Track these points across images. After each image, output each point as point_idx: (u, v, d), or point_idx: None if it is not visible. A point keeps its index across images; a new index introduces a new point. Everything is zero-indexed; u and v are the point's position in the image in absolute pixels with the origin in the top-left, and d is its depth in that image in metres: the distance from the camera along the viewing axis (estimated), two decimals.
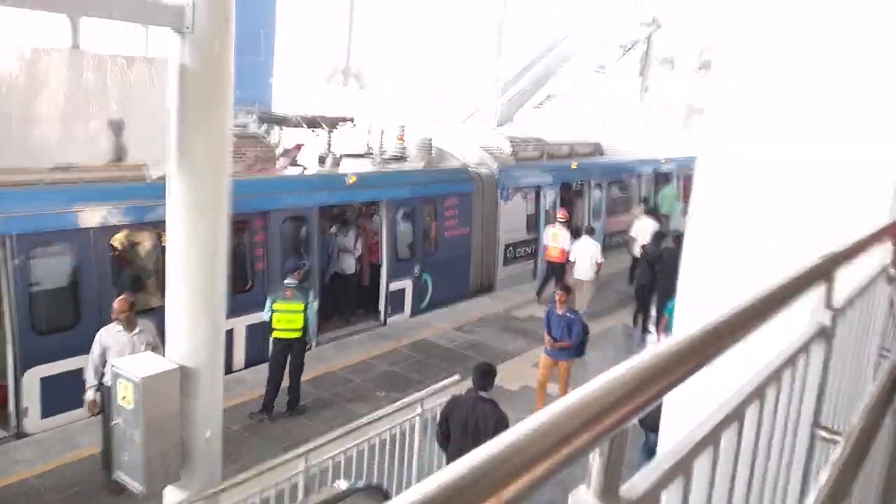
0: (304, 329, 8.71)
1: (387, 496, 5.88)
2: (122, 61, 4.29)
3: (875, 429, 1.55)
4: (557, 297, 9.32)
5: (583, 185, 17.56)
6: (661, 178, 21.20)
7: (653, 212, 17.03)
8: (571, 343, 9.08)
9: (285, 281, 8.89)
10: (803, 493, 1.35)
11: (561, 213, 14.13)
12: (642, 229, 14.85)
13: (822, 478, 1.26)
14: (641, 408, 0.77)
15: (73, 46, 4.31)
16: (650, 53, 29.64)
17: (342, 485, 5.75)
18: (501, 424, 5.74)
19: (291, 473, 5.81)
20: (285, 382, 8.94)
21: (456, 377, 7.29)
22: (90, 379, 6.88)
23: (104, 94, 4.25)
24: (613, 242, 18.80)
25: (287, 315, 8.65)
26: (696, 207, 4.24)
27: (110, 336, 6.90)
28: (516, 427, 0.67)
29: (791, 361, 1.16)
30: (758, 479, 1.18)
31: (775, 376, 1.10)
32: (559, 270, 13.79)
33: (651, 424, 7.32)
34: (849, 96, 3.11)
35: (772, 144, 3.87)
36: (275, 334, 8.78)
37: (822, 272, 1.23)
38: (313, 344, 9.16)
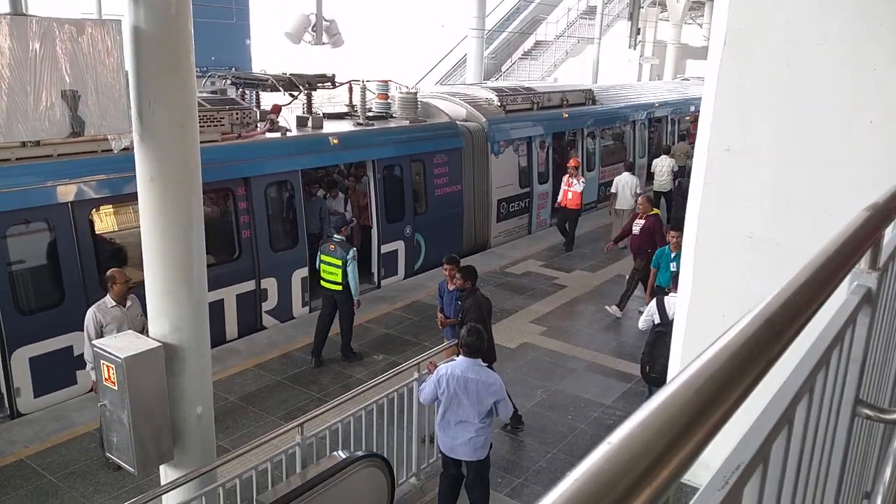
0: (346, 283, 9.07)
1: (387, 463, 5.78)
2: (72, 27, 3.96)
3: None
4: (446, 272, 8.12)
5: (575, 134, 17.23)
6: (654, 124, 20.88)
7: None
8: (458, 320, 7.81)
9: (332, 236, 9.34)
10: (861, 482, 1.16)
11: (572, 161, 14.47)
12: (660, 167, 16.57)
13: (888, 469, 1.06)
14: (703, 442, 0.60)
15: (15, 13, 3.97)
16: None
17: (341, 454, 5.64)
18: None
19: (288, 445, 5.68)
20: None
21: (453, 339, 7.12)
22: (89, 357, 6.74)
23: (55, 64, 3.93)
24: (608, 192, 18.58)
25: (329, 267, 9.17)
26: (706, 172, 3.97)
27: (106, 312, 6.87)
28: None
29: (839, 336, 0.96)
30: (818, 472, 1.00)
31: (824, 358, 0.91)
32: (573, 218, 14.39)
33: (656, 380, 7.25)
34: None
35: (794, 96, 3.60)
36: (321, 283, 9.34)
37: (871, 229, 1.01)
38: (359, 300, 9.35)
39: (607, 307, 11.30)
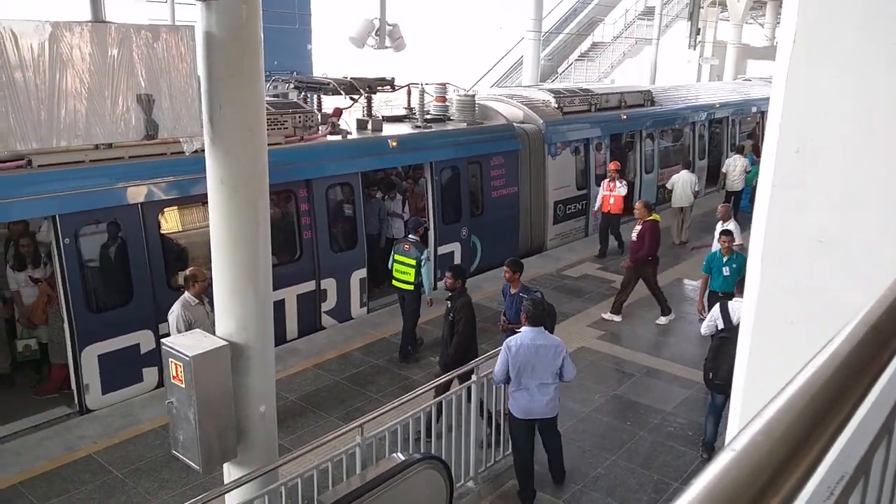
0: (418, 283, 9.30)
1: (446, 467, 5.78)
2: (147, 33, 4.09)
3: None
4: (505, 275, 8.13)
5: (633, 136, 16.96)
6: (714, 125, 20.39)
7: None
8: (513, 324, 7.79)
9: (408, 236, 9.54)
10: None
11: (612, 165, 13.98)
12: (732, 166, 16.52)
13: None
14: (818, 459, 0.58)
15: (95, 21, 4.12)
16: None
17: (400, 456, 5.66)
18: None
19: (348, 445, 5.72)
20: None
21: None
22: None
23: (131, 69, 4.05)
24: (668, 195, 18.21)
25: (402, 266, 9.37)
26: (775, 173, 3.84)
27: (192, 309, 7.14)
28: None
29: None
30: None
31: None
32: (615, 223, 13.95)
33: (720, 387, 7.07)
34: None
35: (865, 95, 3.45)
36: (393, 282, 9.57)
37: None
38: (431, 299, 9.59)
39: (604, 315, 11.06)
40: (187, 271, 7.39)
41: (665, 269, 13.31)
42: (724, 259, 9.41)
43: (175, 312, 7.11)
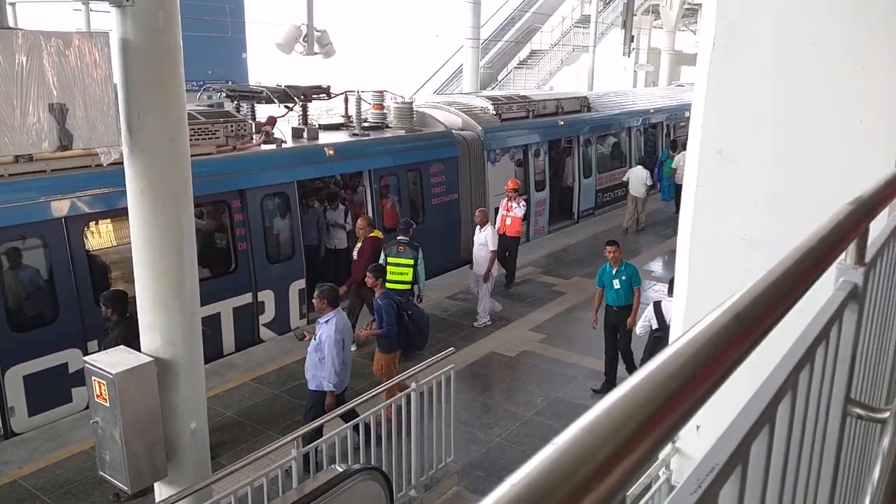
0: (414, 281, 9.55)
1: (385, 477, 5.71)
2: (58, 40, 3.93)
3: None
4: (368, 280, 8.26)
5: (571, 141, 17.24)
6: (649, 130, 20.91)
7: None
8: (383, 332, 7.93)
9: (398, 238, 9.76)
10: (857, 483, 1.12)
11: (511, 183, 12.51)
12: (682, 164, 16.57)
13: (877, 468, 1.02)
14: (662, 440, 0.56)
15: (1, 27, 3.95)
16: (632, 3, 28.99)
17: (339, 467, 5.57)
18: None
19: (284, 459, 5.61)
20: None
21: (451, 349, 7.07)
22: None
23: (41, 77, 3.90)
24: (606, 199, 18.56)
25: (398, 268, 9.53)
26: (699, 175, 3.93)
27: None
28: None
29: (824, 333, 0.92)
30: (793, 474, 0.96)
31: (808, 356, 0.87)
32: (513, 246, 12.57)
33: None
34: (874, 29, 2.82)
35: (784, 96, 3.56)
36: (387, 285, 9.31)
37: (854, 223, 0.97)
38: (422, 296, 9.87)
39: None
40: None
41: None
42: (614, 272, 8.83)
43: None
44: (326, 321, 6.96)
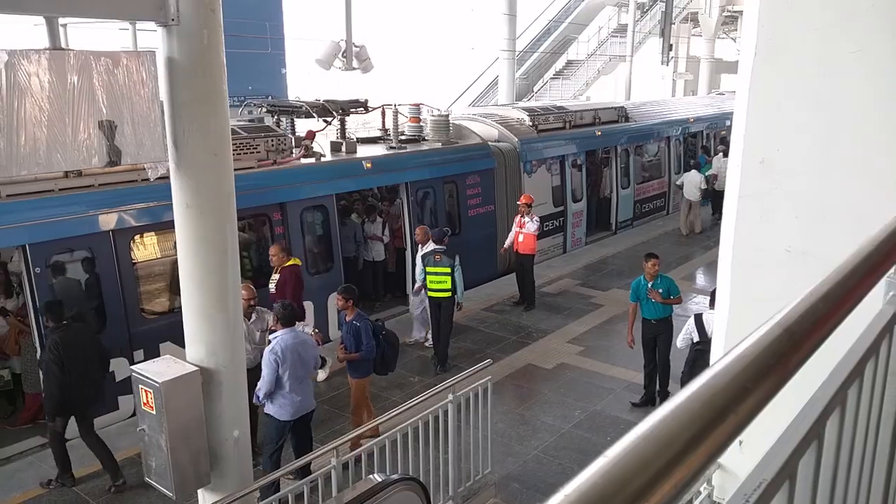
0: (453, 289, 9.79)
1: (423, 487, 5.73)
2: (108, 60, 4.09)
3: None
4: (338, 302, 7.77)
5: (609, 152, 17.14)
6: (690, 140, 20.67)
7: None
8: (361, 355, 7.53)
9: (435, 247, 9.95)
10: None
11: (523, 198, 12.26)
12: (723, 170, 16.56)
13: None
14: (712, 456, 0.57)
15: (53, 48, 4.12)
16: (670, 11, 28.73)
17: (377, 477, 5.61)
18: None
19: (324, 468, 5.67)
20: None
21: (488, 361, 7.07)
22: None
23: (91, 95, 4.05)
24: (644, 210, 18.39)
25: (437, 277, 9.82)
26: (741, 185, 3.89)
27: None
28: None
29: (874, 348, 0.92)
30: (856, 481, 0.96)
31: (857, 371, 0.87)
32: (528, 263, 12.20)
33: None
34: None
35: (827, 105, 3.52)
36: (428, 294, 10.01)
37: None
38: (462, 303, 10.24)
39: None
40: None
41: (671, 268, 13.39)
42: (650, 284, 8.54)
43: None
44: (274, 337, 6.88)
